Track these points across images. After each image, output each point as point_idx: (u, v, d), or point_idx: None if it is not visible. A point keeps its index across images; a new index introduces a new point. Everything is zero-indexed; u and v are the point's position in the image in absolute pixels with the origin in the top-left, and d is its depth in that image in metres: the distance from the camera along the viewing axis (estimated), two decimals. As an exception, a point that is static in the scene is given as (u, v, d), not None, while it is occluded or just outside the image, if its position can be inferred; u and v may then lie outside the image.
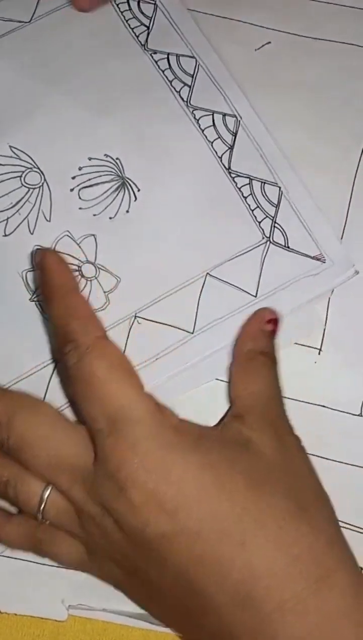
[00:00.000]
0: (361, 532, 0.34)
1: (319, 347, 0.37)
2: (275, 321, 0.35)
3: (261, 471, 0.30)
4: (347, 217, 0.38)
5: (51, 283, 0.34)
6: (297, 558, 0.29)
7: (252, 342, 0.35)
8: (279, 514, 0.29)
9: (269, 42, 0.40)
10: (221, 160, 0.38)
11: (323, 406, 0.36)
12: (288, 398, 0.35)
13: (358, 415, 0.36)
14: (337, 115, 0.39)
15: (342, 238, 0.37)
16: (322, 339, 0.37)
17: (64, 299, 0.33)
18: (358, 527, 0.34)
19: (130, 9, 0.40)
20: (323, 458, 0.35)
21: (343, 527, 0.32)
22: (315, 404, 0.36)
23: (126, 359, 0.32)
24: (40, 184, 0.38)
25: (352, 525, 0.34)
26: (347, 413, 0.36)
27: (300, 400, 0.36)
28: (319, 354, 0.37)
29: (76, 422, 0.33)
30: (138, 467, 0.29)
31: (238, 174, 0.38)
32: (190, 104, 0.39)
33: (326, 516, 0.31)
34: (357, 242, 0.37)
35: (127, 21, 0.40)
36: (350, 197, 0.38)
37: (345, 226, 0.38)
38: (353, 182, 0.38)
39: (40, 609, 0.34)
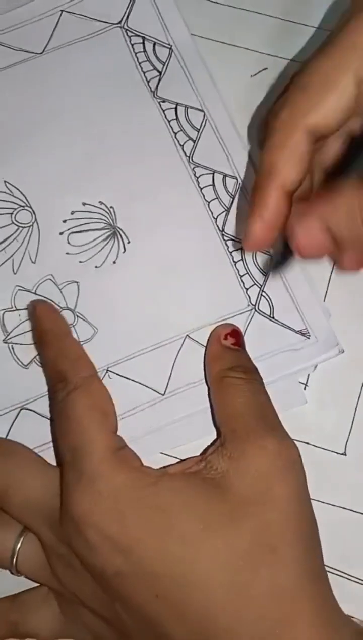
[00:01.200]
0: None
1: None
2: (234, 333, 0.35)
3: (224, 511, 0.30)
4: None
5: (43, 327, 0.35)
6: (254, 600, 0.28)
7: (217, 363, 0.34)
8: (235, 556, 0.29)
9: (266, 68, 0.40)
10: (216, 222, 0.37)
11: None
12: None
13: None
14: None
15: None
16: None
17: (55, 342, 0.34)
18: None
19: (144, 51, 0.39)
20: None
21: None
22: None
23: (107, 401, 0.33)
24: (31, 223, 0.37)
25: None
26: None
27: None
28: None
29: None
30: (91, 507, 0.30)
31: (232, 237, 0.37)
32: (192, 160, 0.38)
33: (297, 556, 0.29)
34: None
35: (140, 64, 0.39)
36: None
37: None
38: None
39: None
